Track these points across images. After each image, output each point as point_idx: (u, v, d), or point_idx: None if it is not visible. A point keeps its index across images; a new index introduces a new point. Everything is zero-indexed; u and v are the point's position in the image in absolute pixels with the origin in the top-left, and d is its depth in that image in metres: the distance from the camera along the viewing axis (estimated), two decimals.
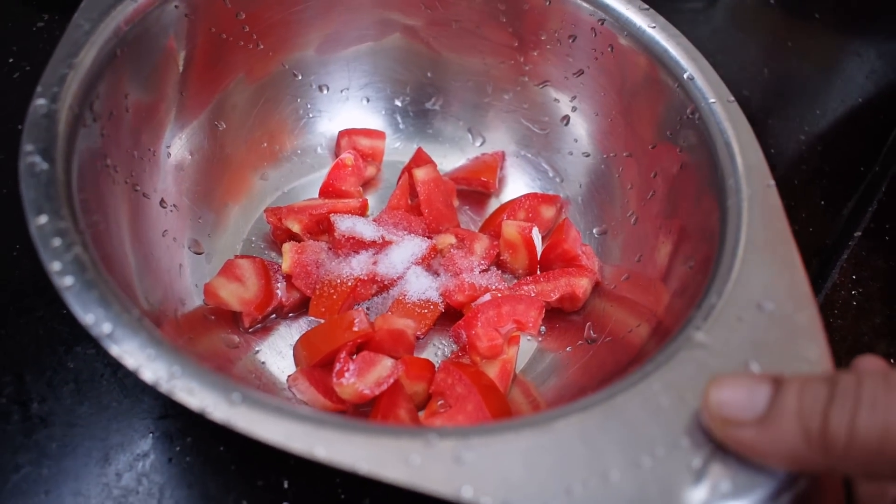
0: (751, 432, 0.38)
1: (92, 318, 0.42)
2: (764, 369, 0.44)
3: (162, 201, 0.63)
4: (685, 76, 0.62)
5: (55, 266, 0.43)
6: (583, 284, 0.66)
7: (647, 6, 0.66)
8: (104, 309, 0.43)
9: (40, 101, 0.51)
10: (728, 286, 0.49)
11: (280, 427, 0.39)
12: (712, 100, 0.60)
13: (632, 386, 0.44)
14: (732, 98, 0.60)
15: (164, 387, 0.40)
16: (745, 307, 0.48)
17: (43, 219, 0.45)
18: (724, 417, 0.39)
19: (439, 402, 0.59)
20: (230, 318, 0.64)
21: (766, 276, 0.50)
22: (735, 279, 0.50)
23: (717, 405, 0.39)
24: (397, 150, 0.79)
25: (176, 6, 0.62)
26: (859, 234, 0.81)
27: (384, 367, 0.57)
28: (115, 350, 0.42)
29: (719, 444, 0.40)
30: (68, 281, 0.43)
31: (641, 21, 0.65)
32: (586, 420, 0.42)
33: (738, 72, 0.98)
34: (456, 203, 0.74)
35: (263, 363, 0.62)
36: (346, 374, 0.57)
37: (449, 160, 0.79)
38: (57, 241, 0.44)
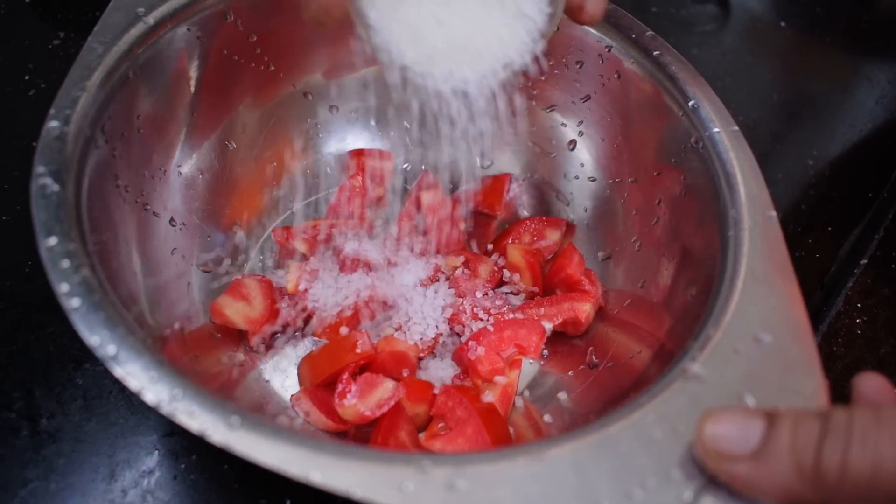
0: (744, 466, 0.38)
1: (97, 339, 0.43)
2: (759, 403, 0.45)
3: (171, 220, 0.64)
4: (690, 104, 0.63)
5: (63, 288, 0.45)
6: (585, 309, 0.66)
7: (654, 34, 0.67)
8: (109, 331, 0.44)
9: (53, 124, 0.52)
10: (726, 317, 0.50)
11: (277, 451, 0.40)
12: (716, 129, 0.61)
13: (626, 417, 0.44)
14: (736, 127, 0.61)
15: (166, 409, 0.41)
16: (742, 339, 0.48)
17: (53, 240, 0.46)
18: (718, 451, 0.39)
19: (440, 425, 0.60)
20: (236, 337, 0.65)
21: (764, 308, 0.50)
22: (733, 310, 0.50)
23: (712, 439, 0.40)
24: (405, 172, 0.80)
25: (188, 29, 0.63)
26: (865, 261, 0.81)
27: (386, 389, 0.58)
28: (119, 372, 0.43)
29: (712, 478, 0.40)
30: (75, 303, 0.44)
31: (648, 48, 0.66)
32: (579, 450, 0.42)
33: (747, 96, 0.98)
34: (462, 226, 0.74)
35: (268, 381, 0.63)
36: (348, 396, 0.57)
37: (456, 182, 0.79)
38: (66, 263, 0.46)
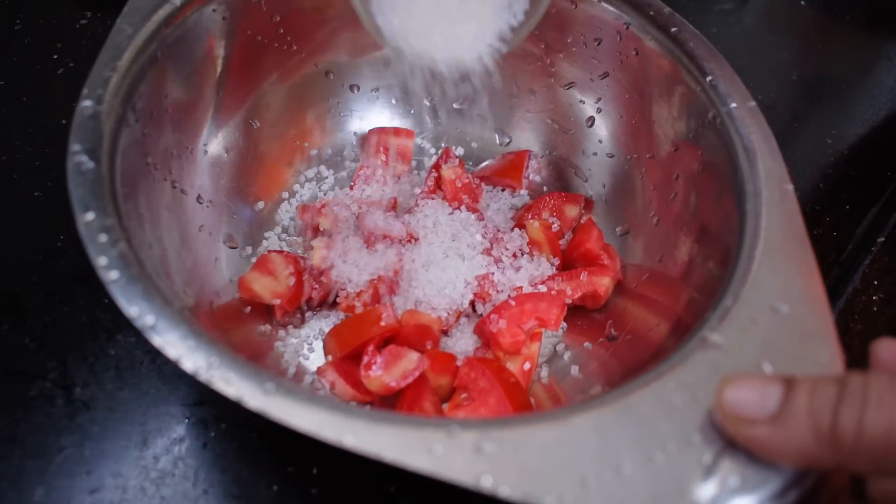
0: (763, 430, 0.39)
1: (136, 310, 0.45)
2: (776, 371, 0.46)
3: (199, 197, 0.66)
4: (708, 80, 0.63)
5: (102, 261, 0.46)
6: (604, 283, 0.67)
7: (672, 10, 0.68)
8: (147, 302, 0.45)
9: (86, 103, 0.53)
10: (744, 288, 0.51)
11: (311, 416, 0.42)
12: (734, 104, 0.62)
13: (647, 384, 0.45)
14: (753, 102, 0.62)
15: (203, 376, 0.43)
16: (759, 309, 0.49)
17: (90, 216, 0.48)
18: (738, 416, 0.41)
19: (463, 396, 0.61)
20: (263, 311, 0.66)
21: (781, 279, 0.51)
22: (751, 281, 0.51)
23: (731, 404, 0.41)
24: (425, 149, 0.81)
25: (214, 9, 0.65)
26: (882, 239, 0.82)
27: (410, 361, 0.60)
28: (158, 341, 0.44)
29: (731, 442, 0.42)
30: (114, 275, 0.46)
31: (666, 25, 0.67)
32: (602, 416, 0.43)
33: (766, 74, 0.98)
34: (482, 202, 0.75)
35: (295, 354, 0.64)
36: (374, 367, 0.59)
37: (476, 159, 0.81)
38: (103, 237, 0.47)
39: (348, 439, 0.41)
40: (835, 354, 0.47)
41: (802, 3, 1.09)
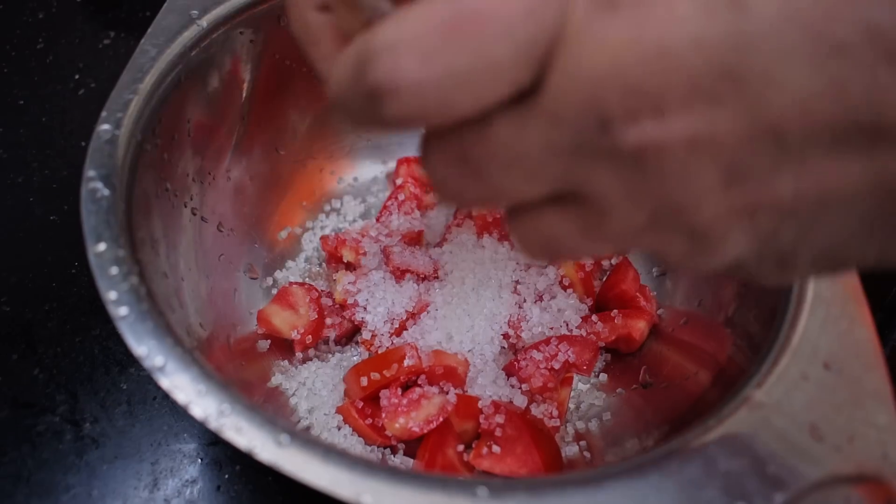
0: None
1: (145, 349, 0.42)
2: (828, 433, 0.43)
3: (219, 225, 0.63)
4: None
5: (111, 295, 0.44)
6: (640, 327, 0.64)
7: None
8: (157, 341, 0.43)
9: (104, 127, 0.51)
10: (792, 342, 0.48)
11: (327, 472, 0.39)
12: None
13: (689, 445, 0.42)
14: None
15: (213, 424, 0.40)
16: (809, 365, 0.46)
17: (101, 246, 0.45)
18: None
19: (488, 443, 0.58)
20: (282, 345, 0.64)
21: (833, 334, 0.48)
22: (800, 335, 0.48)
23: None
24: None
25: (241, 32, 0.62)
26: None
27: (434, 405, 0.57)
28: (166, 384, 0.42)
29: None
30: (123, 311, 0.43)
31: None
32: (639, 481, 0.40)
33: None
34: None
35: (313, 392, 0.62)
36: (395, 411, 0.56)
37: None
38: (114, 270, 0.45)
39: (367, 499, 0.38)
40: (892, 416, 0.44)
41: None
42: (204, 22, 0.60)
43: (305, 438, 0.40)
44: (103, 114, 0.52)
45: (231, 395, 0.41)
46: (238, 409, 0.41)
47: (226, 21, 0.61)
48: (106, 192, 0.48)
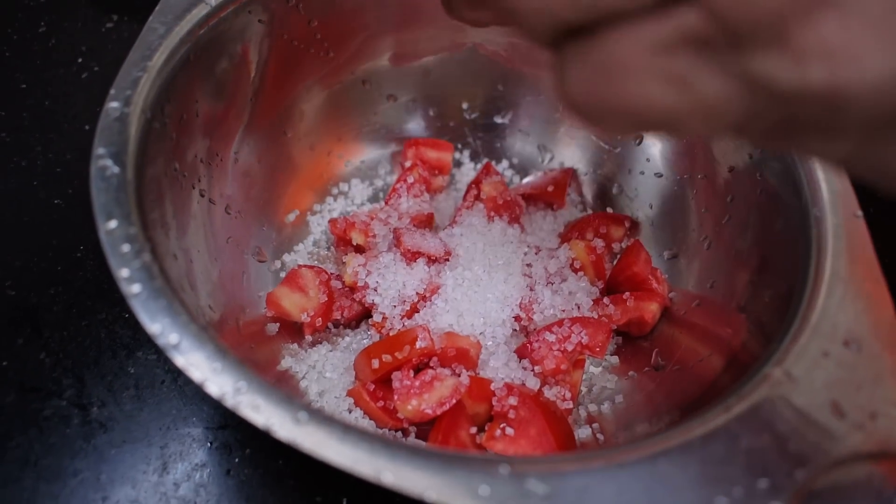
0: None
1: (158, 327, 0.42)
2: (849, 411, 0.42)
3: (227, 207, 0.63)
4: None
5: (124, 273, 0.43)
6: (652, 309, 0.64)
7: None
8: (171, 318, 0.42)
9: (113, 104, 0.50)
10: (811, 322, 0.47)
11: (346, 450, 0.38)
12: None
13: (711, 423, 0.42)
14: None
15: (230, 402, 0.39)
16: (829, 344, 0.46)
17: (113, 224, 0.45)
18: None
19: (501, 425, 0.57)
20: (291, 328, 0.63)
21: (851, 312, 0.47)
22: (819, 314, 0.48)
23: None
24: (464, 163, 0.78)
25: (250, 11, 0.61)
26: None
27: (446, 387, 0.56)
28: (181, 361, 0.41)
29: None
30: (136, 288, 0.42)
31: None
32: (662, 457, 0.40)
33: None
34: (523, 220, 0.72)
35: (324, 375, 0.61)
36: (408, 393, 0.55)
37: (517, 175, 0.77)
38: (126, 247, 0.44)
39: (387, 476, 0.37)
40: None
41: None
42: (212, 1, 0.59)
43: (323, 416, 0.39)
44: (112, 91, 0.51)
45: (247, 372, 0.41)
46: (255, 386, 0.40)
47: (234, 0, 0.60)
48: (116, 169, 0.47)
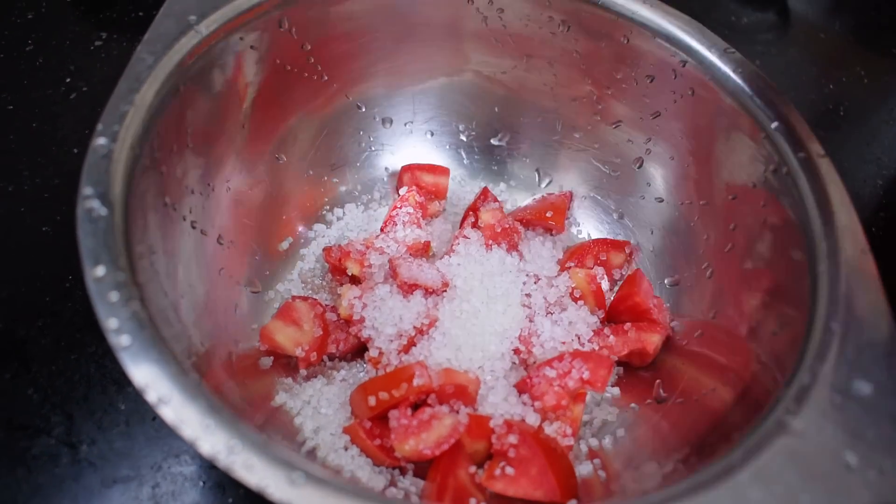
0: None
1: (148, 381, 0.40)
2: (862, 461, 0.41)
3: (220, 238, 0.61)
4: (773, 126, 0.58)
5: (112, 323, 0.42)
6: (654, 340, 0.63)
7: (732, 49, 0.63)
8: (162, 371, 0.41)
9: (100, 141, 0.49)
10: (822, 364, 0.46)
11: None
12: (802, 154, 0.57)
13: (720, 477, 0.41)
14: (823, 152, 0.57)
15: (222, 462, 0.38)
16: (840, 389, 0.45)
17: (100, 271, 0.43)
18: None
19: (501, 464, 0.56)
20: (286, 361, 0.62)
21: (863, 355, 0.46)
22: (831, 356, 0.46)
23: None
24: (461, 187, 0.76)
25: (241, 38, 0.60)
26: None
27: (444, 426, 0.55)
28: (171, 417, 0.39)
29: None
30: (125, 340, 0.41)
31: (727, 65, 0.62)
32: None
33: (810, 108, 0.93)
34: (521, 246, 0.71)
35: (318, 411, 0.60)
36: (405, 433, 0.54)
37: (514, 199, 0.76)
38: (114, 296, 0.43)
39: None
40: None
41: (848, 35, 1.04)
42: (203, 28, 0.57)
43: (321, 477, 0.38)
44: (99, 127, 0.49)
45: (241, 428, 0.39)
46: (248, 444, 0.39)
47: (225, 26, 0.59)
48: (103, 211, 0.46)
